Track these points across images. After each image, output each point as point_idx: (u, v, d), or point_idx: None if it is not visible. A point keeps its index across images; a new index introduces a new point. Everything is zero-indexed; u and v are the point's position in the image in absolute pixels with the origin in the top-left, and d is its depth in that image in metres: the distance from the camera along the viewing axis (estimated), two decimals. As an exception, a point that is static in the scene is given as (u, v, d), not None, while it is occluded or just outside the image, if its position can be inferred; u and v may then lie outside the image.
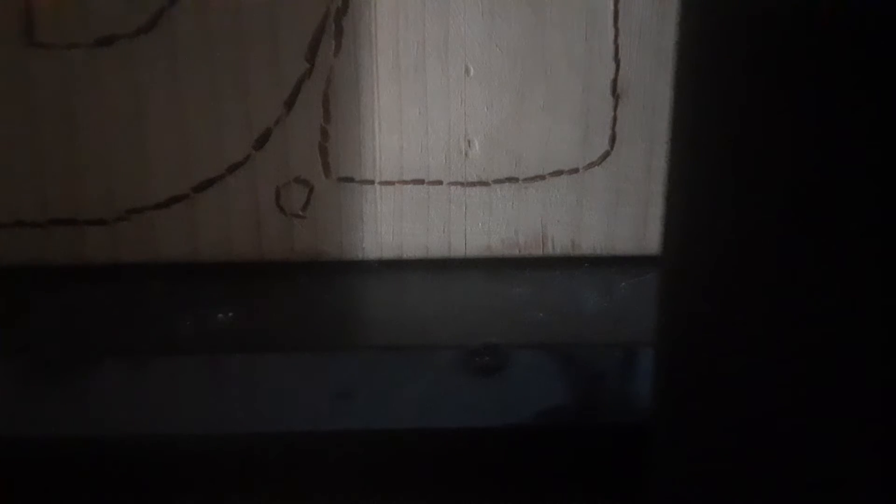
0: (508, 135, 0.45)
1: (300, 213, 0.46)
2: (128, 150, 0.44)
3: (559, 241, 0.47)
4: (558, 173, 0.46)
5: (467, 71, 0.44)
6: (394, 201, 0.46)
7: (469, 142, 0.45)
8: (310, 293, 0.45)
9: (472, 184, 0.46)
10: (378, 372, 0.41)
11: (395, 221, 0.46)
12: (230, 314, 0.42)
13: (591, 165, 0.46)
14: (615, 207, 0.46)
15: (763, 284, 0.25)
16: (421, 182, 0.46)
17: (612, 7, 0.43)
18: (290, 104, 0.44)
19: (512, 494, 0.44)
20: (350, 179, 0.45)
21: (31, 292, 0.44)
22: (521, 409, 0.41)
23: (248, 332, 0.42)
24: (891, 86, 0.22)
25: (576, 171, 0.46)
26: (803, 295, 0.24)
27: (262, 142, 0.44)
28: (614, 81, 0.44)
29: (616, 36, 0.44)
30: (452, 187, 0.46)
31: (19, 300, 0.44)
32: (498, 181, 0.46)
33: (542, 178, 0.46)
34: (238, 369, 0.40)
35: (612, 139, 0.45)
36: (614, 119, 0.45)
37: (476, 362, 0.40)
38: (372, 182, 0.45)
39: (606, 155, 0.45)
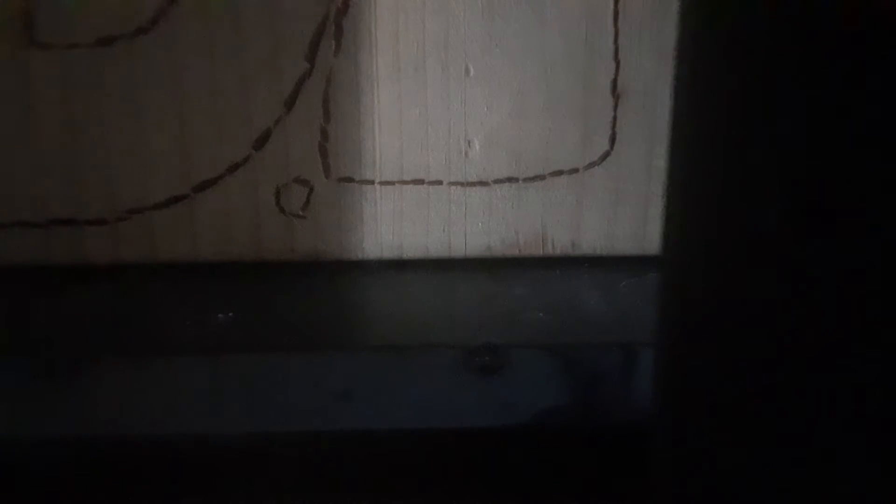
0: (508, 135, 0.45)
1: (300, 213, 0.46)
2: (128, 150, 0.44)
3: (559, 241, 0.47)
4: (558, 173, 0.46)
5: (467, 71, 0.44)
6: (394, 201, 0.46)
7: (469, 142, 0.45)
8: (310, 293, 0.45)
9: (472, 184, 0.46)
10: (378, 372, 0.41)
11: (395, 221, 0.46)
12: (230, 314, 0.42)
13: (591, 165, 0.46)
14: (615, 207, 0.46)
15: (763, 284, 0.25)
16: (421, 182, 0.46)
17: (612, 7, 0.43)
18: (290, 104, 0.44)
19: (512, 494, 0.44)
20: (350, 179, 0.45)
21: (31, 292, 0.44)
22: (521, 409, 0.41)
23: (248, 332, 0.42)
24: (891, 86, 0.22)
25: (576, 171, 0.46)
26: (803, 294, 0.24)
27: (262, 142, 0.44)
28: (614, 81, 0.44)
29: (616, 36, 0.44)
30: (452, 187, 0.46)
31: (19, 300, 0.44)
32: (498, 181, 0.46)
33: (542, 178, 0.46)
34: (238, 369, 0.40)
35: (612, 139, 0.45)
36: (614, 119, 0.45)
37: (476, 362, 0.40)
38: (372, 182, 0.45)
39: (606, 155, 0.45)
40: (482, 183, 0.46)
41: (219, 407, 0.41)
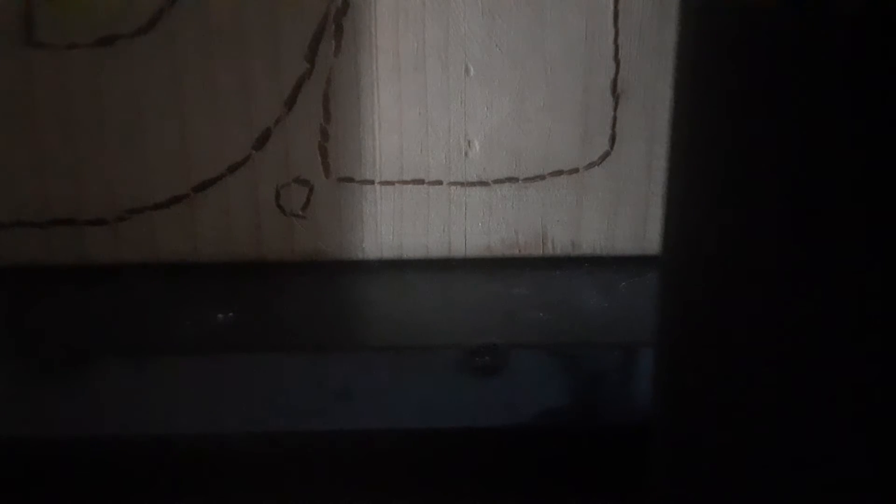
0: (508, 135, 0.45)
1: (300, 213, 0.46)
2: (128, 150, 0.44)
3: (559, 241, 0.47)
4: (558, 173, 0.46)
5: (467, 71, 0.44)
6: (394, 201, 0.46)
7: (469, 142, 0.45)
8: (310, 293, 0.45)
9: (472, 184, 0.46)
10: (378, 372, 0.41)
11: (395, 221, 0.46)
12: (230, 314, 0.42)
13: (591, 165, 0.46)
14: (615, 207, 0.46)
15: (762, 284, 0.25)
16: (421, 182, 0.46)
17: (612, 7, 0.43)
18: (290, 104, 0.44)
19: (512, 494, 0.44)
20: (350, 179, 0.45)
21: (31, 292, 0.44)
22: (521, 409, 0.41)
23: (248, 332, 0.42)
24: (890, 86, 0.22)
25: (576, 171, 0.46)
26: (803, 294, 0.24)
27: (262, 142, 0.44)
28: (614, 81, 0.44)
29: (616, 36, 0.44)
30: (452, 187, 0.46)
31: (19, 300, 0.44)
32: (498, 181, 0.46)
33: (542, 178, 0.46)
34: (238, 369, 0.40)
35: (612, 139, 0.45)
36: (614, 119, 0.45)
37: (476, 362, 0.40)
38: (372, 182, 0.45)
39: (606, 155, 0.45)
40: (482, 183, 0.46)
41: (219, 407, 0.41)
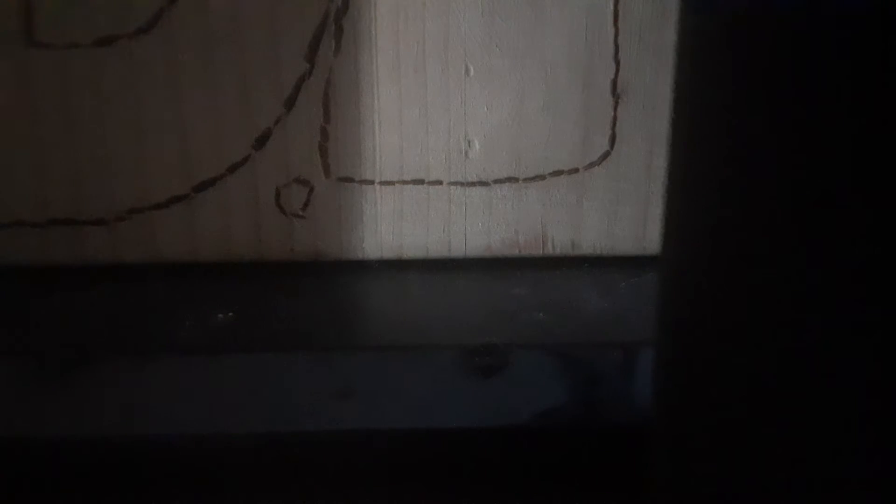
0: (508, 135, 0.45)
1: (300, 213, 0.46)
2: (128, 150, 0.44)
3: (559, 241, 0.47)
4: (558, 173, 0.46)
5: (467, 71, 0.44)
6: (394, 201, 0.46)
7: (469, 142, 0.45)
8: (310, 293, 0.45)
9: (472, 184, 0.46)
10: (378, 372, 0.41)
11: (395, 221, 0.46)
12: (230, 314, 0.42)
13: (591, 165, 0.46)
14: (615, 207, 0.46)
15: (763, 284, 0.25)
16: (421, 182, 0.46)
17: (612, 7, 0.43)
18: (290, 104, 0.44)
19: (512, 494, 0.44)
20: (350, 179, 0.45)
21: (31, 292, 0.44)
22: (521, 409, 0.41)
23: (248, 332, 0.42)
24: (890, 86, 0.22)
25: (576, 171, 0.46)
26: (803, 294, 0.24)
27: (262, 142, 0.44)
28: (614, 81, 0.44)
29: (616, 36, 0.44)
30: (452, 187, 0.46)
31: (19, 300, 0.44)
32: (498, 181, 0.46)
33: (542, 178, 0.46)
34: (238, 369, 0.40)
35: (612, 139, 0.45)
36: (614, 119, 0.45)
37: (476, 362, 0.40)
38: (372, 182, 0.45)
39: (606, 155, 0.45)
40: (482, 183, 0.46)
41: (219, 407, 0.41)
